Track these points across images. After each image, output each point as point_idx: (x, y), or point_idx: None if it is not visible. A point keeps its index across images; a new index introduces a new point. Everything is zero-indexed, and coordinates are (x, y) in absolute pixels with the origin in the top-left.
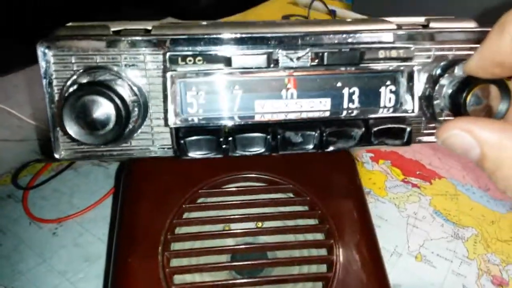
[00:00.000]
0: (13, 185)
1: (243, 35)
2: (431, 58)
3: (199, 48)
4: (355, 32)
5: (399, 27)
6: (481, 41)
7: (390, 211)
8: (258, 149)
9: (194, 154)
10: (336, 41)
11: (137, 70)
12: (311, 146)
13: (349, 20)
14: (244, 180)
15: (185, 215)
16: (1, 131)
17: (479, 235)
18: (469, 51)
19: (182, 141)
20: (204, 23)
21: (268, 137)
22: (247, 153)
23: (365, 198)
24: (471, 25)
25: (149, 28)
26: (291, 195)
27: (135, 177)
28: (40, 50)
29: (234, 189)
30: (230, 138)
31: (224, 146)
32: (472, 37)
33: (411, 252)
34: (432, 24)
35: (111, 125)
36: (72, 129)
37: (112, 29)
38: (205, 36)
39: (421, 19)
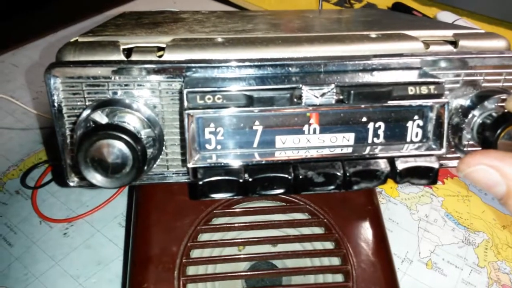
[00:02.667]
0: (21, 185)
1: (263, 65)
2: (460, 84)
3: (214, 75)
4: (380, 56)
5: (426, 45)
6: None
7: (402, 213)
8: (279, 190)
9: (213, 195)
10: (361, 68)
11: (151, 98)
12: (333, 187)
13: (373, 35)
14: (259, 198)
15: (200, 237)
16: (4, 118)
17: (490, 241)
18: (500, 76)
19: (201, 182)
20: (220, 40)
21: (290, 177)
22: (267, 194)
23: (382, 218)
24: (501, 44)
25: (162, 45)
26: (307, 215)
27: (148, 198)
28: (48, 78)
29: (248, 209)
30: (250, 179)
31: (244, 188)
32: (504, 62)
33: (422, 259)
34: (461, 43)
35: (127, 168)
36: (89, 174)
37: (123, 47)
38: (223, 65)
39: (449, 33)
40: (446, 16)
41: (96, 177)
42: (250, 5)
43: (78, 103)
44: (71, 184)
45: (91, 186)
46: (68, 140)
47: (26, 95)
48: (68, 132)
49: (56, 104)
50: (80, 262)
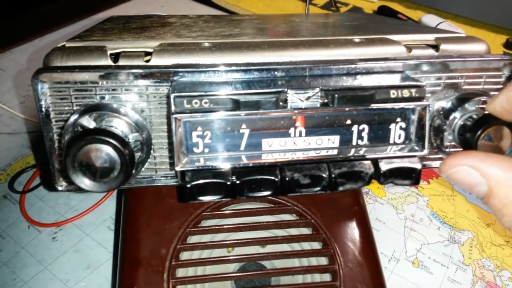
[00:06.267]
0: (9, 190)
1: (249, 70)
2: (441, 86)
3: (201, 79)
4: (364, 60)
5: (409, 49)
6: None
7: (388, 213)
8: (266, 192)
9: (202, 198)
10: (345, 72)
11: (138, 102)
12: (319, 188)
13: (357, 40)
14: (247, 200)
15: (189, 239)
16: None
17: (474, 239)
18: (480, 79)
19: (189, 185)
20: (207, 44)
21: (277, 179)
22: (255, 196)
23: (368, 218)
24: (482, 47)
25: (149, 50)
26: (294, 216)
27: (137, 201)
28: (35, 83)
29: (237, 210)
30: (238, 182)
31: (232, 190)
32: (484, 66)
33: (408, 258)
34: (442, 46)
35: (115, 172)
36: (78, 179)
37: (110, 52)
38: (209, 69)
39: (431, 37)
40: (430, 19)
41: (84, 182)
42: (238, 9)
43: (66, 108)
44: (60, 188)
45: (80, 190)
46: (56, 145)
47: (13, 99)
48: (56, 137)
49: (43, 109)
50: (69, 266)
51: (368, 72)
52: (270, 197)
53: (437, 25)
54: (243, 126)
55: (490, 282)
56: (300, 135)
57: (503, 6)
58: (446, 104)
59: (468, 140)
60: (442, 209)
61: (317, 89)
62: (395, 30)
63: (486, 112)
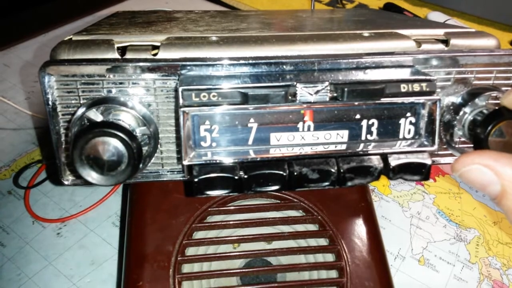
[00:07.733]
0: (14, 185)
1: (258, 63)
2: (451, 81)
3: (209, 73)
4: (373, 54)
5: (418, 43)
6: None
7: (394, 210)
8: (274, 187)
9: (209, 192)
10: (354, 66)
11: (146, 96)
12: (328, 183)
13: (366, 34)
14: (253, 196)
15: (195, 235)
16: None
17: (481, 237)
18: (490, 74)
19: (196, 179)
20: (214, 38)
21: (284, 174)
22: (263, 190)
23: (375, 215)
24: (492, 42)
25: (157, 44)
26: (301, 212)
27: (143, 196)
28: (42, 76)
29: (243, 206)
30: (246, 176)
31: (239, 184)
32: (495, 60)
33: (414, 255)
34: (452, 41)
35: (123, 166)
36: (85, 172)
37: (117, 45)
38: (217, 63)
39: (440, 32)
40: (437, 16)
41: (91, 175)
42: (242, 5)
43: (73, 101)
44: (66, 182)
45: (86, 184)
46: (63, 139)
47: (18, 95)
48: (62, 131)
49: (50, 103)
50: (73, 262)
51: (378, 66)
52: (277, 193)
53: (444, 22)
54: (251, 120)
55: (496, 281)
56: (309, 129)
57: (510, 4)
58: (456, 99)
59: (478, 135)
60: (448, 207)
61: (326, 83)
62: (404, 25)
63: (497, 107)
